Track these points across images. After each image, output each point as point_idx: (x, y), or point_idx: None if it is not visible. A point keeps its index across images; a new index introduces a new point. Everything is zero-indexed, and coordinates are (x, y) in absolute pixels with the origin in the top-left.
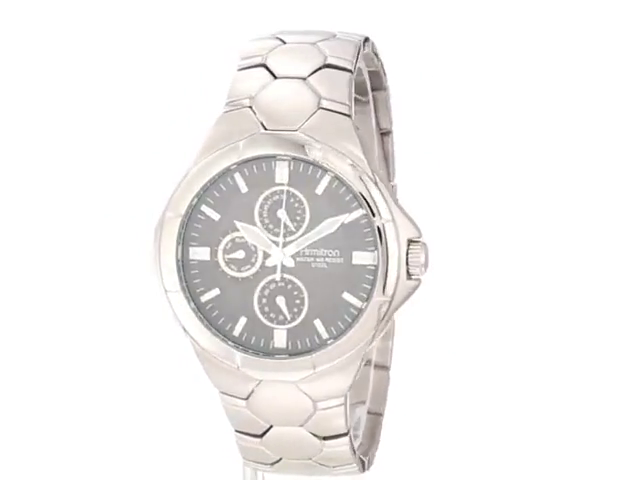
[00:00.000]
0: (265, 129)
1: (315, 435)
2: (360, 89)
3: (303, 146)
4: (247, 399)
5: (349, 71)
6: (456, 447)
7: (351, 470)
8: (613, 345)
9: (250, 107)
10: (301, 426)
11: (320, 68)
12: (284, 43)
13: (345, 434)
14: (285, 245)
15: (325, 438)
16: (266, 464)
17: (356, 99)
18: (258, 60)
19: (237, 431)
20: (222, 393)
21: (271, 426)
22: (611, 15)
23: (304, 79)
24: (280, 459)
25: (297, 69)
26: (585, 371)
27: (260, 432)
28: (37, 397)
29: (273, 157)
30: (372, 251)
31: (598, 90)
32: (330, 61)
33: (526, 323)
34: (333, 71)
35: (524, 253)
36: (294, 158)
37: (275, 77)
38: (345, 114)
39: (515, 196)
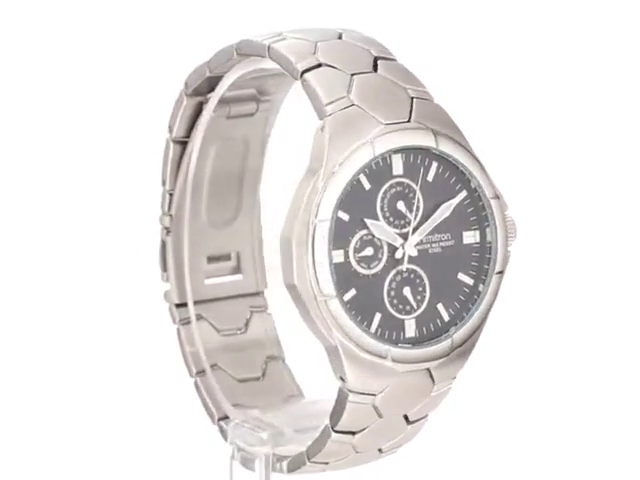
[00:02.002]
0: (383, 124)
1: (408, 420)
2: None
3: (422, 135)
4: (377, 395)
5: (396, 60)
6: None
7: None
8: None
9: (354, 104)
10: (406, 413)
11: (375, 61)
12: (313, 42)
13: (427, 415)
14: (410, 235)
15: (413, 422)
16: (327, 464)
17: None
18: (314, 61)
19: (338, 431)
20: (352, 392)
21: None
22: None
23: (373, 73)
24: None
25: (360, 65)
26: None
27: (362, 428)
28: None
29: (392, 150)
30: (476, 229)
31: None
32: (375, 54)
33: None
34: (387, 62)
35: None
36: (408, 148)
37: (351, 74)
38: (431, 100)
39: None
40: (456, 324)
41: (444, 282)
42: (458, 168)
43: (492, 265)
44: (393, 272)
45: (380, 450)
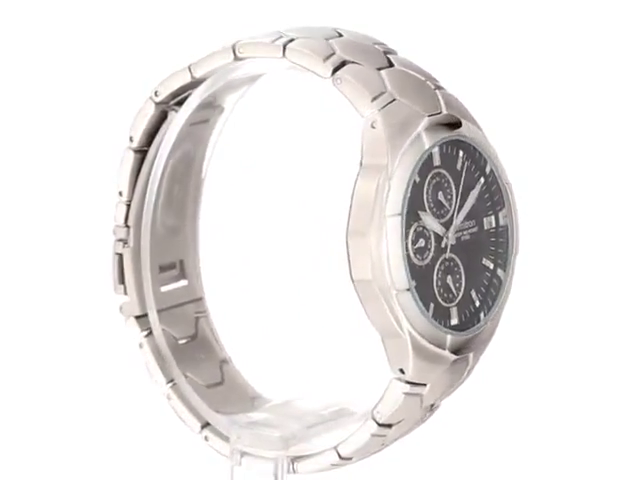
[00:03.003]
0: (426, 117)
1: (432, 408)
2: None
3: (460, 126)
4: (427, 385)
5: (397, 53)
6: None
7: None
8: None
9: (396, 99)
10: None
11: (386, 55)
12: (324, 40)
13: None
14: (451, 224)
15: (433, 410)
16: (350, 459)
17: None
18: (338, 58)
19: (382, 424)
20: (409, 384)
21: None
22: None
23: (393, 68)
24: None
25: (378, 60)
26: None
27: (400, 420)
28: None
29: (437, 142)
30: (491, 215)
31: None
32: (381, 49)
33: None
34: (395, 56)
35: None
36: (446, 139)
37: (377, 69)
38: (446, 90)
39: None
40: (484, 310)
41: (474, 268)
42: (477, 155)
43: (510, 249)
44: (439, 262)
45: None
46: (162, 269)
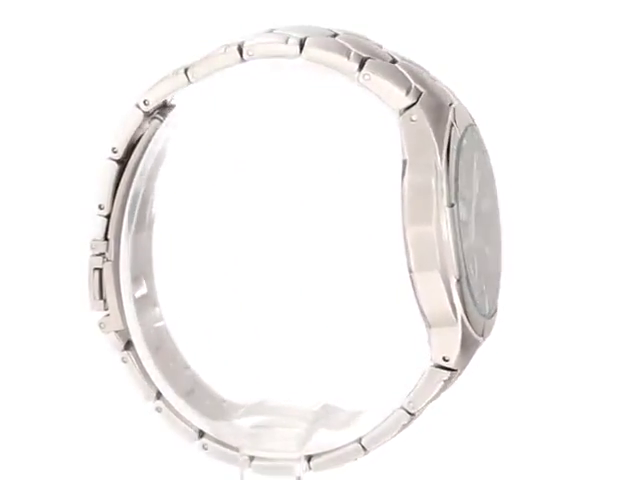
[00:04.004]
0: (450, 107)
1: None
2: None
3: (467, 114)
4: (458, 370)
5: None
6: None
7: None
8: None
9: (422, 92)
10: None
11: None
12: (331, 39)
13: None
14: (471, 211)
15: None
16: (367, 451)
17: None
18: (358, 56)
19: (412, 413)
20: (450, 370)
21: None
22: None
23: (400, 62)
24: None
25: (383, 56)
26: None
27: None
28: None
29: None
30: (483, 199)
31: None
32: (373, 45)
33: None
34: (390, 50)
35: None
36: (466, 128)
37: (391, 63)
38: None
39: None
40: (488, 294)
41: (481, 253)
42: (475, 142)
43: (498, 232)
44: (466, 247)
45: None
46: (133, 281)
